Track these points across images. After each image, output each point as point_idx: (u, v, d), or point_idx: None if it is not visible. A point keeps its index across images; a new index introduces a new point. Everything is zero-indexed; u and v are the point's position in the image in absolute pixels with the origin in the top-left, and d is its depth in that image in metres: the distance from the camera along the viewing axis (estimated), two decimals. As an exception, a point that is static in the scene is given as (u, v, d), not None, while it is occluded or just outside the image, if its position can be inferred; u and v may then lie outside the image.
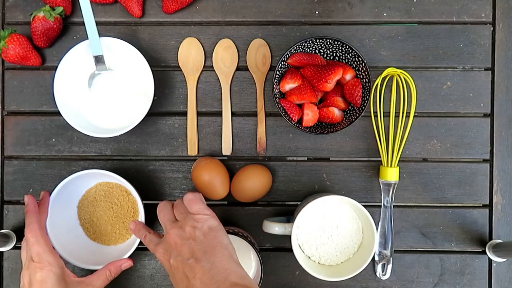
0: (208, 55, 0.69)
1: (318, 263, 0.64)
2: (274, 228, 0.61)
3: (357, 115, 0.63)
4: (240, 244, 0.63)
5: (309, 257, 0.64)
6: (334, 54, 0.66)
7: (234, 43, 0.69)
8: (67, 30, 0.69)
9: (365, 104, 0.63)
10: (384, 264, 0.68)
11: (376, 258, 0.68)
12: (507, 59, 0.69)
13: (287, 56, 0.64)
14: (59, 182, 0.62)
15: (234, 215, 0.69)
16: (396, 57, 0.69)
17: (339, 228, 0.64)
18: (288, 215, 0.69)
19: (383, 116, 0.68)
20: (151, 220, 0.69)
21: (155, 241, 0.56)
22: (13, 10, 0.69)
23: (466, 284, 0.68)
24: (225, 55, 0.69)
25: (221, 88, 0.69)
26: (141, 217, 0.63)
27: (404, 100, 0.66)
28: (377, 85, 0.67)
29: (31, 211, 0.60)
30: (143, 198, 0.65)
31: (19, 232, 0.68)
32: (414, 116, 0.67)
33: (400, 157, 0.67)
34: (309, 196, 0.67)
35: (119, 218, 0.67)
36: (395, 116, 0.67)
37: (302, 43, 0.63)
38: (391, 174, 0.66)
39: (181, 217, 0.55)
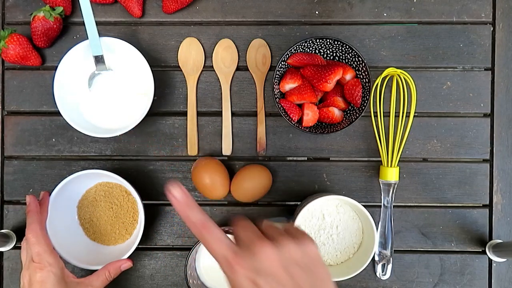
0: (208, 55, 0.69)
1: (318, 263, 0.64)
2: (274, 228, 0.61)
3: (357, 115, 0.63)
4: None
5: (309, 257, 0.64)
6: (334, 54, 0.66)
7: (234, 43, 0.69)
8: (67, 30, 0.69)
9: (365, 104, 0.63)
10: (384, 264, 0.67)
11: (376, 258, 0.68)
12: (507, 59, 0.69)
13: (287, 56, 0.64)
14: (59, 182, 0.62)
15: (234, 215, 0.69)
16: (396, 57, 0.69)
17: (339, 228, 0.64)
18: (288, 215, 0.69)
19: (383, 116, 0.68)
20: (151, 221, 0.69)
21: (229, 245, 0.39)
22: (13, 10, 0.69)
23: (466, 284, 0.68)
24: (225, 55, 0.69)
25: (221, 88, 0.69)
26: (141, 217, 0.63)
27: (404, 100, 0.66)
28: (377, 85, 0.67)
29: (32, 211, 0.60)
30: (143, 198, 0.65)
31: (19, 232, 0.68)
32: (414, 116, 0.67)
33: (400, 157, 0.67)
34: (309, 196, 0.67)
35: (119, 218, 0.67)
36: (395, 116, 0.67)
37: (302, 43, 0.63)
38: (391, 174, 0.66)
39: (275, 234, 0.40)
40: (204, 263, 0.65)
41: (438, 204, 0.69)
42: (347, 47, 0.63)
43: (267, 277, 0.37)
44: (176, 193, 0.41)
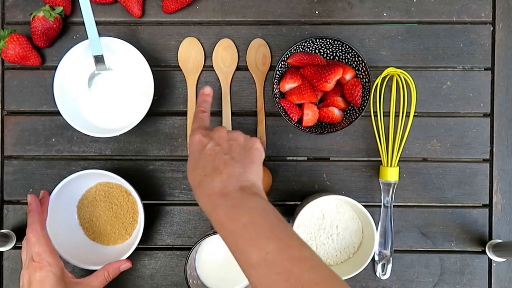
0: (208, 55, 0.69)
1: (318, 263, 0.64)
2: (274, 228, 0.61)
3: (357, 115, 0.63)
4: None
5: (309, 257, 0.64)
6: (334, 54, 0.66)
7: (234, 43, 0.69)
8: (67, 30, 0.69)
9: (365, 104, 0.63)
10: (384, 264, 0.68)
11: (376, 258, 0.68)
12: (507, 59, 0.69)
13: (287, 56, 0.64)
14: (59, 182, 0.62)
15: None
16: (396, 57, 0.69)
17: (339, 228, 0.64)
18: (288, 215, 0.69)
19: (383, 116, 0.68)
20: (151, 221, 0.69)
21: (203, 123, 0.54)
22: (13, 10, 0.69)
23: (466, 284, 0.68)
24: (225, 55, 0.69)
25: (221, 88, 0.69)
26: (141, 217, 0.63)
27: (404, 100, 0.66)
28: (377, 85, 0.67)
29: (33, 210, 0.60)
30: (143, 198, 0.65)
31: (19, 232, 0.68)
32: (414, 116, 0.67)
33: (400, 157, 0.67)
34: (309, 196, 0.67)
35: (119, 218, 0.66)
36: (395, 116, 0.67)
37: (302, 43, 0.63)
38: (391, 174, 0.66)
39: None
40: (204, 263, 0.65)
41: (438, 204, 0.69)
42: (347, 47, 0.63)
43: (211, 140, 0.51)
44: (206, 89, 0.59)
